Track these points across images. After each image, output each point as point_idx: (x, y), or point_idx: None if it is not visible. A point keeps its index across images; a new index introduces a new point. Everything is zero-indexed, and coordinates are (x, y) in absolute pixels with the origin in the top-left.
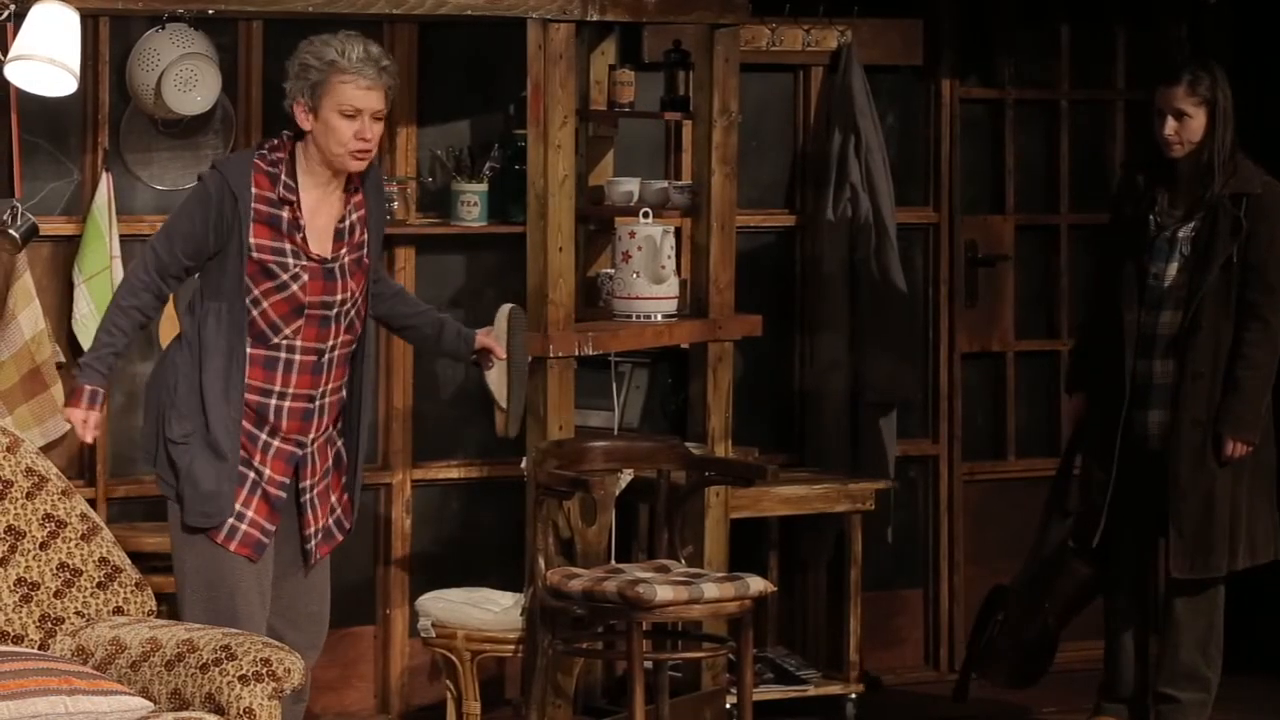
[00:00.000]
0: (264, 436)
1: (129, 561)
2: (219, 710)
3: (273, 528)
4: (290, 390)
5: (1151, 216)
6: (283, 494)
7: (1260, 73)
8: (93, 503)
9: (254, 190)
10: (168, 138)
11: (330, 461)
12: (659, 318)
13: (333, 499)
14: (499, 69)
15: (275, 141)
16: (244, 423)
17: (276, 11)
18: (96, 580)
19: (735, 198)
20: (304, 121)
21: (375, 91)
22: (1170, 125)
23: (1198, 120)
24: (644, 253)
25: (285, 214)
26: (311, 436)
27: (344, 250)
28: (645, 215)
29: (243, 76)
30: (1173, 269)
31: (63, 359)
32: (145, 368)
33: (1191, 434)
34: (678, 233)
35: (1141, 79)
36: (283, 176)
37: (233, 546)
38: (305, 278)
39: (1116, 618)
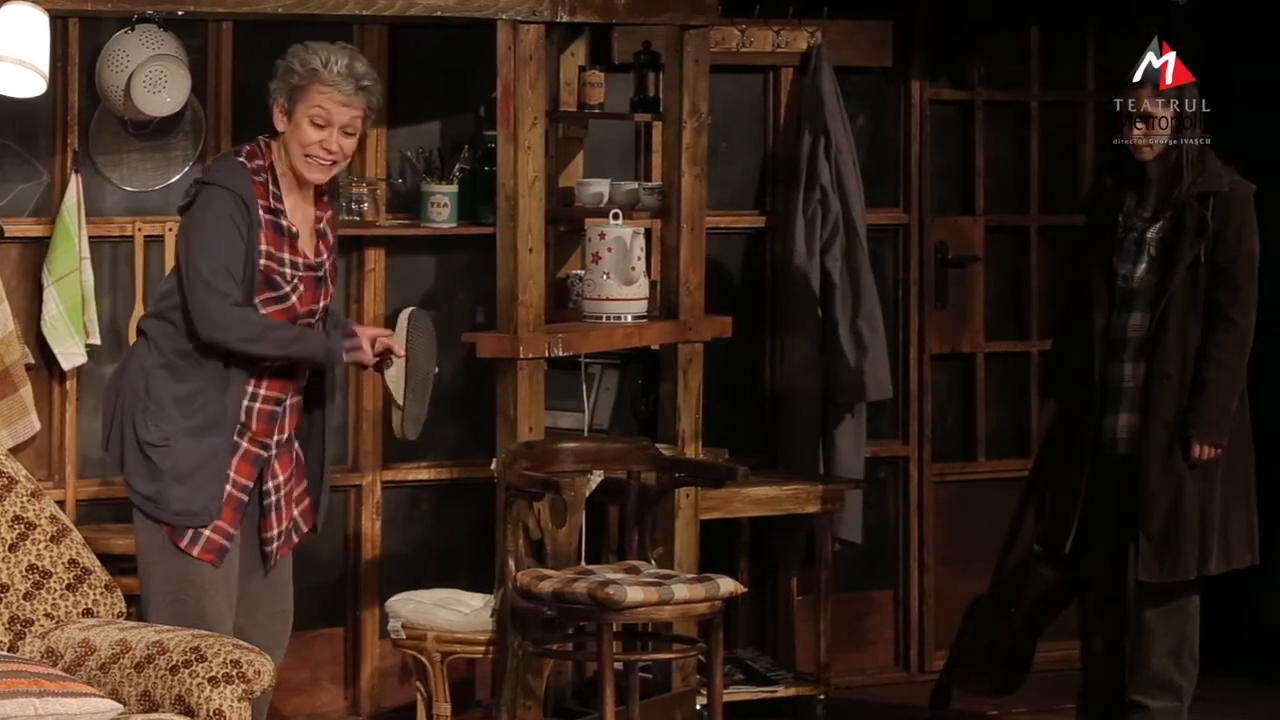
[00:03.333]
0: (232, 437)
1: (98, 563)
2: (189, 712)
3: (236, 532)
4: (262, 392)
5: (1120, 218)
6: (245, 497)
7: (1231, 74)
8: (62, 504)
9: (259, 200)
10: (137, 139)
11: (292, 465)
12: (629, 319)
13: (295, 502)
14: (469, 70)
15: (251, 148)
16: None
17: (246, 13)
18: (66, 582)
19: (705, 199)
20: (279, 122)
21: (349, 108)
22: (1138, 129)
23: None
24: (614, 254)
25: (283, 221)
26: (275, 439)
27: (325, 255)
28: (615, 216)
29: (212, 78)
30: (1141, 270)
31: (31, 360)
32: (114, 368)
33: (1160, 437)
34: (648, 234)
35: (1112, 80)
36: (269, 185)
37: (196, 552)
38: (302, 288)
39: (1091, 624)
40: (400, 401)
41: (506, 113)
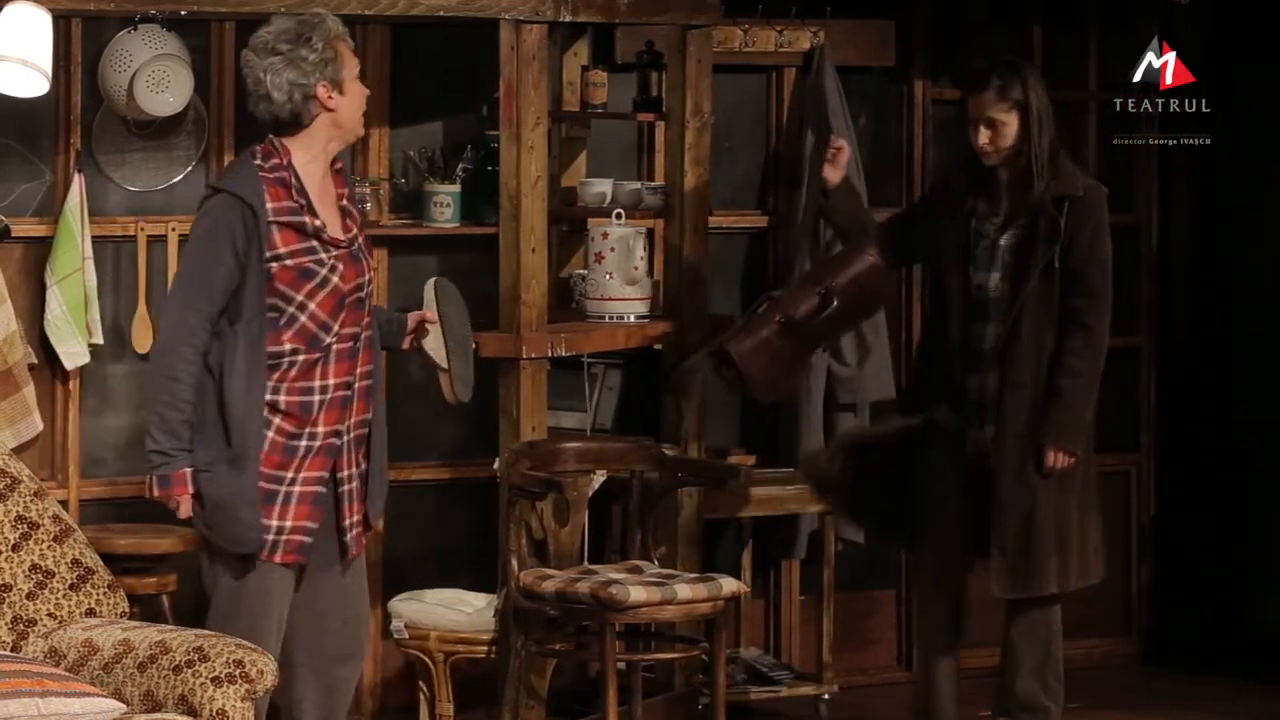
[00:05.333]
0: (304, 442)
1: (101, 563)
2: (192, 712)
3: (316, 525)
4: (330, 382)
5: (973, 224)
6: (323, 489)
7: (1231, 74)
8: (65, 504)
9: (270, 205)
10: (140, 139)
11: (365, 453)
12: (632, 319)
13: (363, 491)
14: (472, 70)
15: (265, 148)
16: (279, 439)
17: (249, 13)
18: (69, 582)
19: (708, 198)
20: (330, 103)
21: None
22: (983, 134)
23: (1010, 126)
24: (617, 254)
25: (306, 219)
26: (348, 424)
27: (354, 231)
28: (618, 216)
29: (215, 77)
30: (995, 278)
31: (34, 360)
32: (117, 369)
33: (1012, 448)
34: (650, 234)
35: (1115, 80)
36: (292, 181)
37: (277, 559)
38: (341, 266)
39: (938, 643)
40: (445, 365)
41: (509, 112)
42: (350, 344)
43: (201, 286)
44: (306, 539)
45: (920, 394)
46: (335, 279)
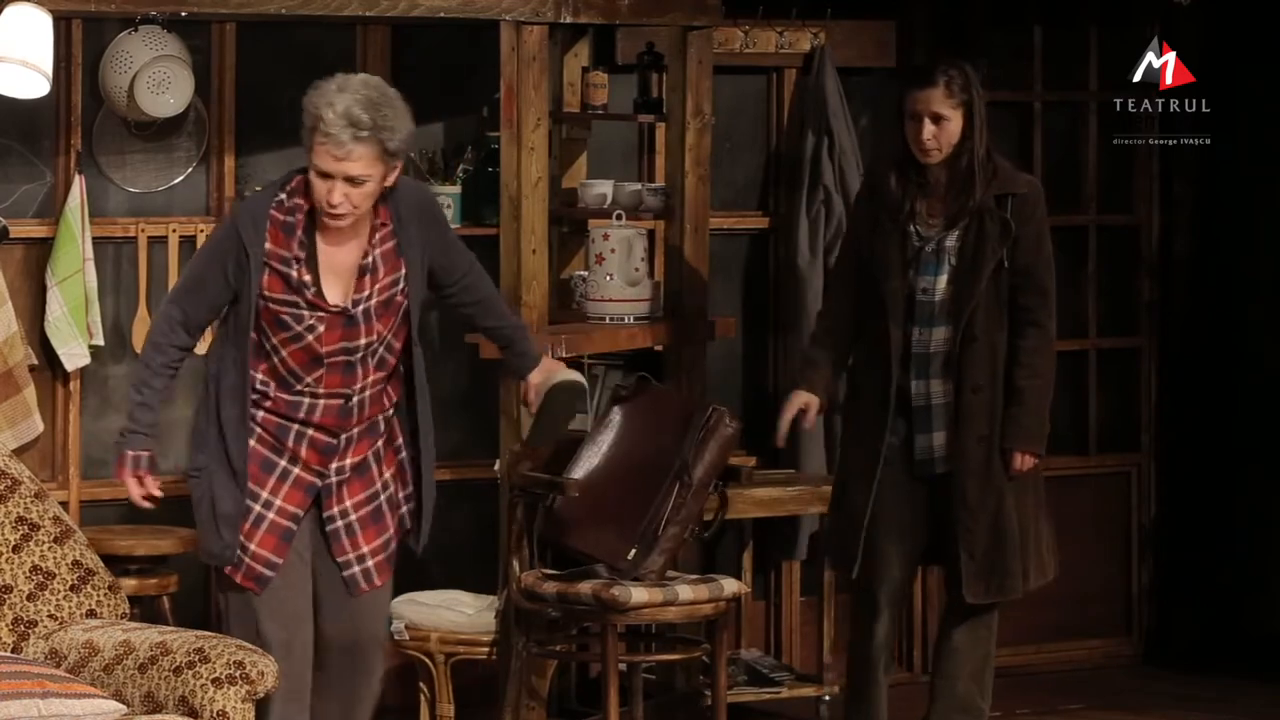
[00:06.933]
0: (283, 463)
1: (102, 564)
2: (192, 713)
3: (279, 560)
4: (314, 421)
5: (912, 228)
6: (293, 525)
7: (1231, 74)
8: (65, 505)
9: (268, 246)
10: (140, 140)
11: (365, 492)
12: (632, 320)
13: (383, 523)
14: (472, 71)
15: (298, 182)
16: (261, 450)
17: (249, 14)
18: (69, 583)
19: (708, 200)
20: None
21: (347, 161)
22: (928, 130)
23: (955, 123)
24: (617, 255)
25: (294, 271)
26: (334, 467)
27: (368, 292)
28: (619, 217)
29: (215, 78)
30: (943, 281)
31: (35, 361)
32: (118, 370)
33: (976, 451)
34: (651, 235)
35: (1115, 80)
36: (298, 232)
37: (239, 579)
38: (321, 329)
39: (875, 653)
40: (524, 436)
41: (510, 114)
42: (340, 402)
43: (187, 291)
44: (267, 571)
45: (866, 398)
46: (310, 338)
